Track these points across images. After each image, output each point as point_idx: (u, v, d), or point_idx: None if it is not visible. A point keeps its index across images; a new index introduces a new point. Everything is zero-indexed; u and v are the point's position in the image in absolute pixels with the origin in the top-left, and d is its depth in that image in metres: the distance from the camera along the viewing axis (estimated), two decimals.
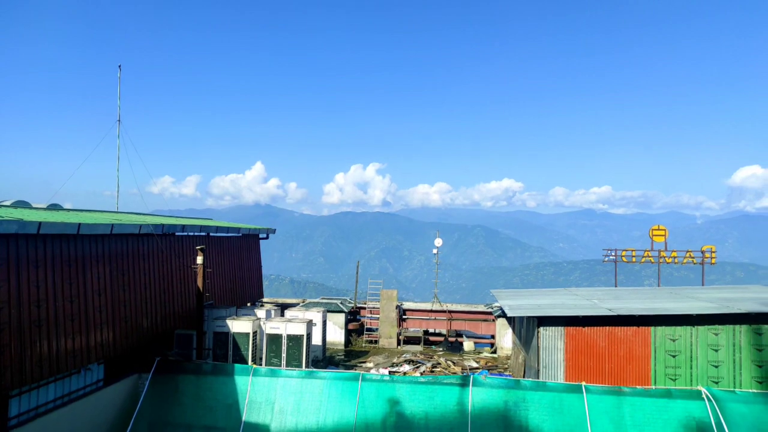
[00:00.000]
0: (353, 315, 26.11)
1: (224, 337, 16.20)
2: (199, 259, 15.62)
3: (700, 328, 13.42)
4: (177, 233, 17.25)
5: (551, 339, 14.45)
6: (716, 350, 13.35)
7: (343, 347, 23.44)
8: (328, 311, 22.43)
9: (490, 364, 20.97)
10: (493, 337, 24.18)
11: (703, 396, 12.36)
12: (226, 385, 13.77)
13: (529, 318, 15.97)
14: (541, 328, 14.46)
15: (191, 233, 18.33)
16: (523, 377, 16.06)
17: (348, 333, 24.34)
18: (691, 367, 13.31)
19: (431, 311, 25.53)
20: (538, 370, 14.42)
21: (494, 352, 23.13)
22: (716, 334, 13.36)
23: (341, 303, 24.89)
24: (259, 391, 13.66)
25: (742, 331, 13.28)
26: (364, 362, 20.71)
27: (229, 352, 16.15)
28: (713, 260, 27.01)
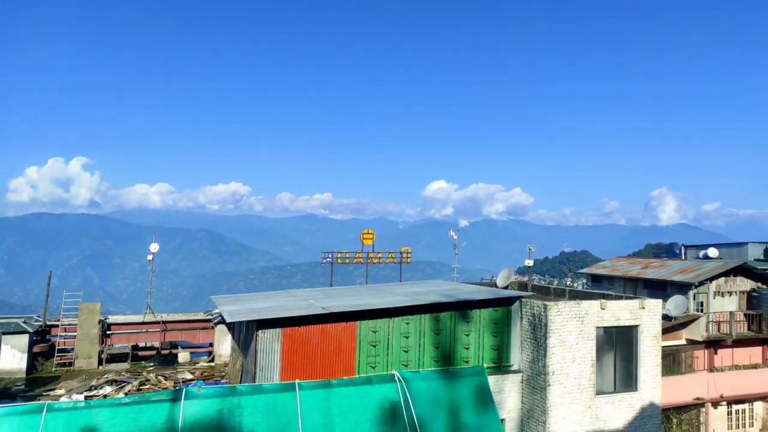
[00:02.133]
0: (42, 335, 22.00)
1: None
2: None
3: (396, 319, 15.37)
4: None
5: (269, 341, 14.62)
6: (407, 337, 15.45)
7: (24, 375, 19.48)
8: (3, 333, 18.37)
9: (206, 373, 20.16)
10: (211, 345, 23.34)
11: (396, 379, 14.17)
12: None
13: (248, 322, 15.87)
14: (260, 331, 14.52)
15: None
16: (240, 383, 15.87)
17: (33, 357, 20.38)
18: (387, 354, 15.11)
19: (143, 323, 23.27)
20: (255, 374, 14.43)
21: (212, 360, 22.35)
22: (407, 324, 15.48)
23: (24, 322, 20.69)
24: None
25: (426, 319, 15.68)
26: (53, 389, 17.58)
27: None
28: (409, 260, 31.34)
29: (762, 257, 39.07)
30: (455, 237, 31.75)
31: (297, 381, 13.52)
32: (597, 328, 15.81)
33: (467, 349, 15.91)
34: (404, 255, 30.92)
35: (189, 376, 19.21)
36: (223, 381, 18.39)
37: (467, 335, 15.94)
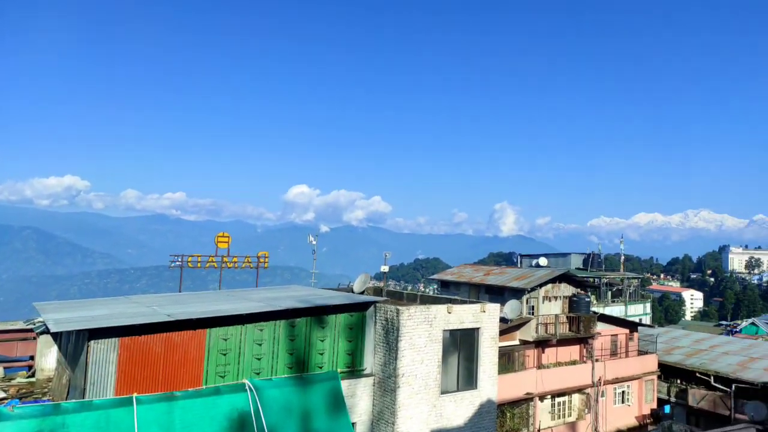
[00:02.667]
0: None
1: None
2: None
3: (249, 326, 14.84)
4: None
5: (103, 352, 13.23)
6: (260, 344, 15.00)
7: None
8: None
9: (24, 390, 17.63)
10: (32, 358, 20.49)
11: (247, 388, 13.67)
12: None
13: (78, 332, 14.22)
14: (92, 342, 13.08)
15: None
16: (67, 399, 14.13)
17: None
18: (239, 363, 14.52)
19: None
20: (85, 389, 12.94)
21: (32, 375, 19.62)
22: (261, 330, 15.04)
23: None
24: None
25: (281, 325, 15.37)
26: None
27: None
28: (266, 264, 30.58)
29: (581, 266, 44.71)
30: (314, 242, 31.72)
31: (135, 395, 12.40)
32: (444, 330, 16.78)
33: (322, 354, 15.90)
34: (261, 260, 30.12)
35: (2, 394, 16.64)
36: (44, 399, 16.21)
37: (322, 341, 15.94)
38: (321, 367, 15.80)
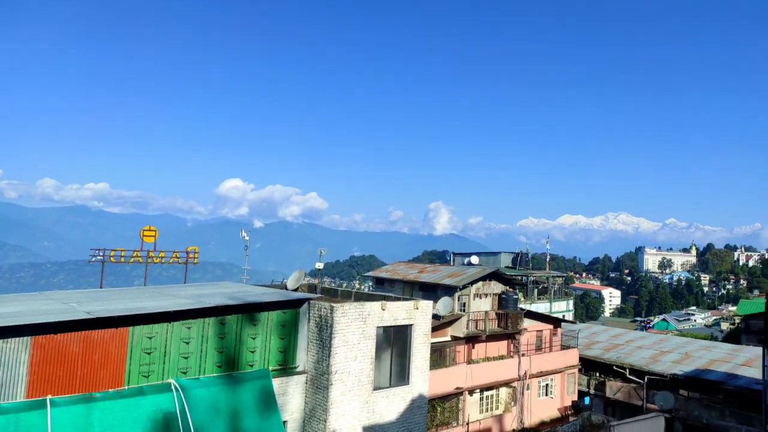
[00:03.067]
0: None
1: None
2: None
3: (176, 323, 14.28)
4: None
5: (13, 353, 12.31)
6: (188, 343, 14.48)
7: None
8: None
9: None
10: None
11: (173, 387, 13.15)
12: None
13: None
14: (0, 342, 12.13)
15: None
16: None
17: None
18: (164, 362, 13.94)
19: None
20: None
21: None
22: (189, 328, 14.51)
23: None
24: None
25: (210, 323, 14.90)
26: None
27: None
28: (196, 260, 29.53)
29: (510, 265, 46.33)
30: (247, 238, 31.00)
31: (49, 397, 11.63)
32: (377, 327, 16.88)
33: (253, 352, 15.56)
34: (191, 255, 29.06)
35: None
36: None
37: (254, 338, 15.60)
38: (252, 366, 15.47)
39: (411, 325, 17.83)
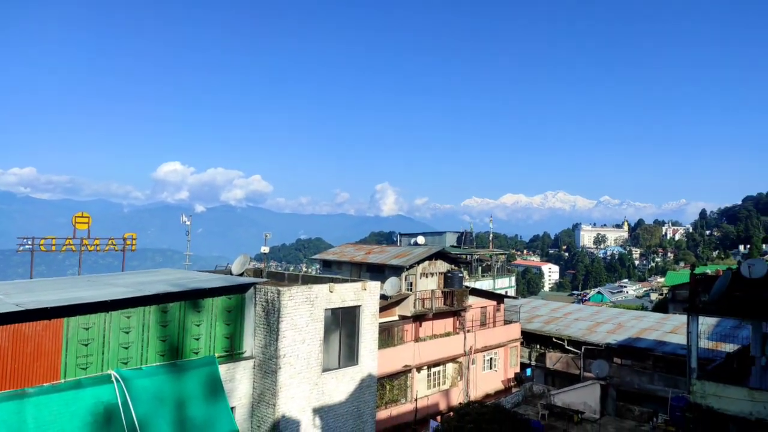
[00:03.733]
0: None
1: None
2: None
3: (114, 313, 13.71)
4: None
5: None
6: (128, 332, 13.96)
7: None
8: None
9: None
10: None
11: (113, 379, 12.69)
12: None
13: None
14: None
15: None
16: None
17: None
18: (103, 353, 13.40)
19: None
20: None
21: None
22: (128, 317, 13.98)
23: None
24: None
25: (151, 311, 14.41)
26: None
27: None
28: (134, 247, 28.42)
29: (455, 244, 47.31)
30: (188, 222, 30.09)
31: None
32: (326, 309, 16.86)
33: (198, 339, 15.20)
34: (128, 242, 27.94)
35: None
36: None
37: (198, 325, 15.23)
38: (197, 353, 15.12)
39: (359, 306, 17.92)
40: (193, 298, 15.13)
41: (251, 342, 16.36)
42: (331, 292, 17.03)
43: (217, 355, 15.44)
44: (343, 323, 17.54)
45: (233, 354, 16.01)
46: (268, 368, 15.82)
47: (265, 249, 24.61)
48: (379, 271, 31.17)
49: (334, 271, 34.44)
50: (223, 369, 15.20)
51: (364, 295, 18.08)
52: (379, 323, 19.65)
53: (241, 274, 21.54)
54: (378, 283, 18.99)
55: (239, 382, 15.87)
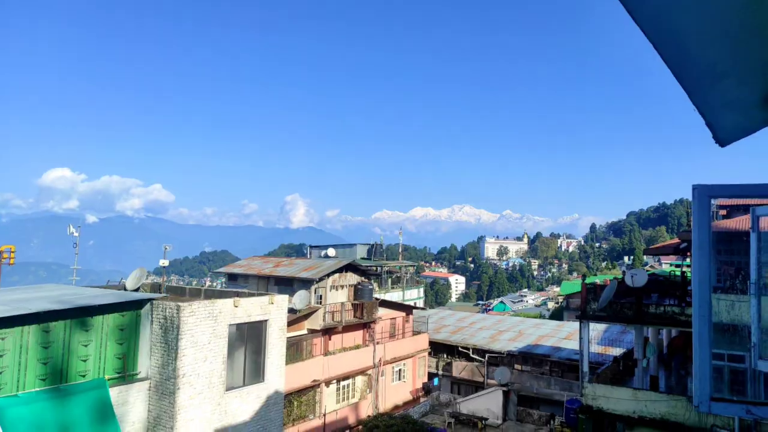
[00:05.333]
0: None
1: None
2: None
3: None
4: None
5: None
6: (2, 356, 12.48)
7: None
8: None
9: None
10: None
11: None
12: None
13: None
14: None
15: None
16: None
17: None
18: None
19: None
20: None
21: None
22: (3, 339, 12.51)
23: None
24: None
25: (30, 331, 13.00)
26: None
27: None
28: (12, 260, 25.75)
29: (366, 256, 47.51)
30: (77, 234, 27.77)
31: None
32: (230, 325, 16.13)
33: (86, 361, 13.91)
34: (6, 255, 25.29)
35: None
36: None
37: (86, 346, 13.95)
38: (84, 376, 13.82)
39: (266, 320, 17.34)
40: (80, 316, 13.86)
41: (147, 362, 15.26)
42: (236, 306, 16.34)
43: (107, 377, 14.22)
44: (248, 339, 16.87)
45: (126, 375, 14.83)
46: (165, 389, 14.80)
47: (164, 262, 23.25)
48: (287, 284, 30.49)
49: (240, 284, 33.22)
50: (114, 392, 14.01)
51: (272, 309, 17.54)
52: (288, 338, 19.14)
53: (137, 290, 20.13)
54: (286, 297, 18.51)
55: (132, 405, 14.71)
